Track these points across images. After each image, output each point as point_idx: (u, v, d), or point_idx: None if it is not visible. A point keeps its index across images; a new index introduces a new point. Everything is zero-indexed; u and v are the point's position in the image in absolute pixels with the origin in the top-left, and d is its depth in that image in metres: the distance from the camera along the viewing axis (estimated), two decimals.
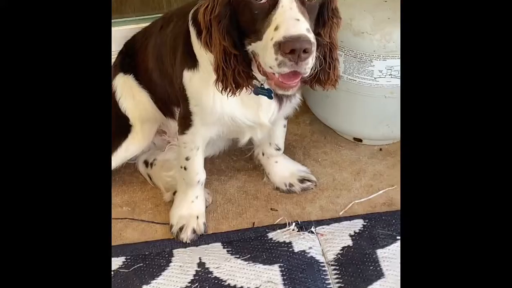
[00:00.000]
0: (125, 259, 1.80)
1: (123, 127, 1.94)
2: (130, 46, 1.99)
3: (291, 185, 2.04)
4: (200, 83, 1.64)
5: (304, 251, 1.81)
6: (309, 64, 1.37)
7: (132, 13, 2.40)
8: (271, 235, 1.87)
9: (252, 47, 1.47)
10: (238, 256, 1.80)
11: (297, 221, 1.91)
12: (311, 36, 1.36)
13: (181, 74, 1.68)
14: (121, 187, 2.08)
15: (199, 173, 1.87)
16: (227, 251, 1.83)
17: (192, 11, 1.64)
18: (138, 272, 1.77)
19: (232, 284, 1.72)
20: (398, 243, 1.82)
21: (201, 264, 1.78)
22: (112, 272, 1.76)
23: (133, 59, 1.95)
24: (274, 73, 1.43)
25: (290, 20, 1.34)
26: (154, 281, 1.75)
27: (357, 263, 1.78)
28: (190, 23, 1.64)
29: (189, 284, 1.73)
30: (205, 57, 1.59)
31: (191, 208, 1.89)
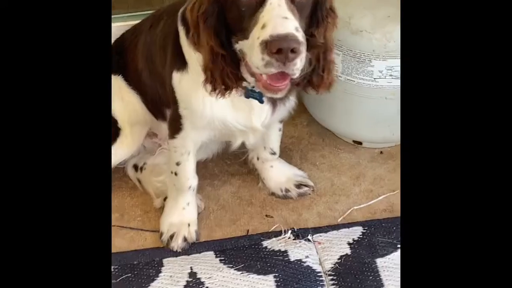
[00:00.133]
0: (113, 269, 1.77)
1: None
2: (119, 45, 1.96)
3: (287, 190, 2.01)
4: (190, 85, 1.62)
5: (300, 260, 1.78)
6: (297, 65, 1.34)
7: (126, 9, 2.37)
8: (266, 243, 1.85)
9: (239, 46, 1.44)
10: (231, 265, 1.79)
11: (293, 228, 1.89)
12: (300, 35, 1.33)
13: (170, 75, 1.66)
14: None
15: (190, 178, 1.84)
16: (220, 260, 1.81)
17: (181, 9, 1.61)
18: (126, 282, 1.74)
19: None
20: (399, 252, 1.81)
21: (192, 274, 1.76)
22: None
23: (122, 59, 1.92)
24: (261, 74, 1.41)
25: (278, 18, 1.32)
26: None
27: (355, 272, 1.75)
28: (179, 22, 1.61)
29: None
30: (194, 58, 1.57)
31: (182, 215, 1.87)
